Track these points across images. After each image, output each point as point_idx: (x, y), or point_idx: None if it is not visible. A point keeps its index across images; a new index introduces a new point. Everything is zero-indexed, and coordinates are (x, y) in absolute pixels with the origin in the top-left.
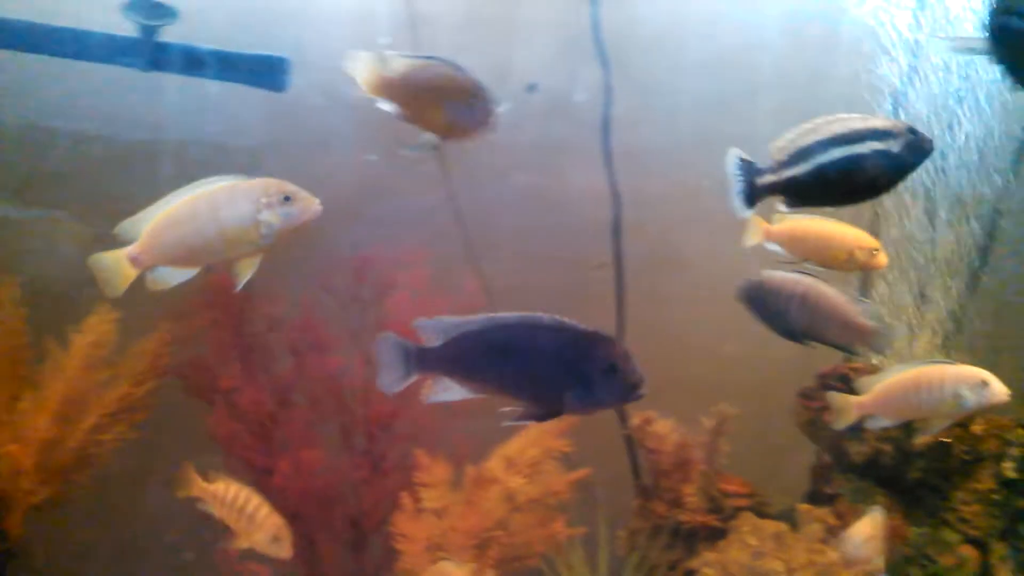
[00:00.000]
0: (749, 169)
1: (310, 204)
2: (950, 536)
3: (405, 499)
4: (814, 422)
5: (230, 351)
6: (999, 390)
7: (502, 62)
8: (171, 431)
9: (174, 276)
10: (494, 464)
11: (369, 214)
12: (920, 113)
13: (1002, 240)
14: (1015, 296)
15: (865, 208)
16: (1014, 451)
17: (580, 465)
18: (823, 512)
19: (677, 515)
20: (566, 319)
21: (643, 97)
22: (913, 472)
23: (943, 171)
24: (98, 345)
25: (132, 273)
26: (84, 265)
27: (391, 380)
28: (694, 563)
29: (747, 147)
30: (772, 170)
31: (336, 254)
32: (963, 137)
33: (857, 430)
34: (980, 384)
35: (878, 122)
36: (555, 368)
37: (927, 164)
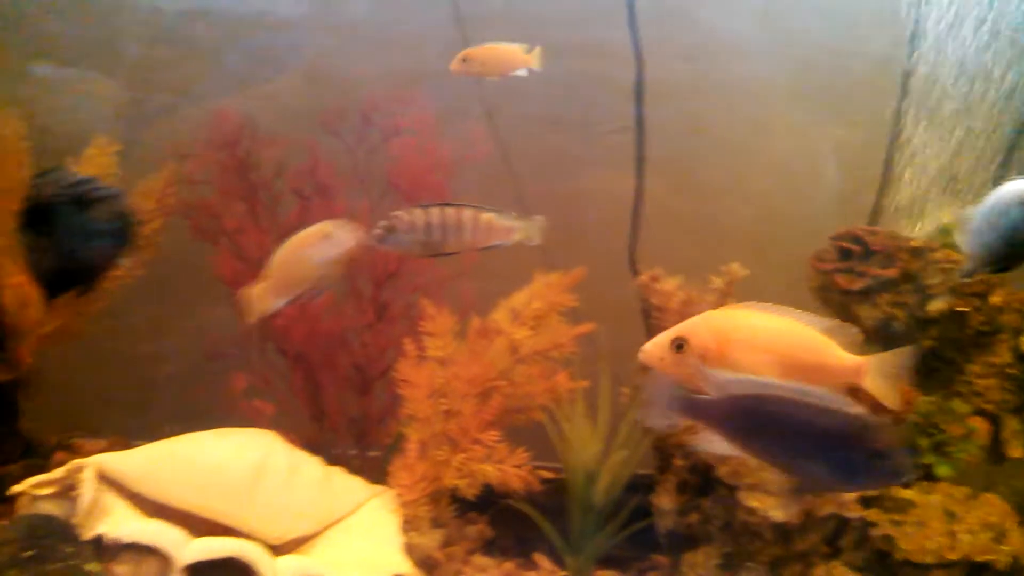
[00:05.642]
0: None
1: None
2: (961, 407)
3: (409, 346)
4: (826, 286)
5: (235, 193)
6: None
7: None
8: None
9: None
10: (499, 316)
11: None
12: None
13: None
14: None
15: None
16: None
17: (586, 320)
18: None
19: None
20: (837, 404)
21: None
22: (925, 340)
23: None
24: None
25: None
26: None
27: (654, 418)
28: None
29: None
30: None
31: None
32: None
33: (870, 294)
34: None
35: None
36: (822, 450)
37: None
